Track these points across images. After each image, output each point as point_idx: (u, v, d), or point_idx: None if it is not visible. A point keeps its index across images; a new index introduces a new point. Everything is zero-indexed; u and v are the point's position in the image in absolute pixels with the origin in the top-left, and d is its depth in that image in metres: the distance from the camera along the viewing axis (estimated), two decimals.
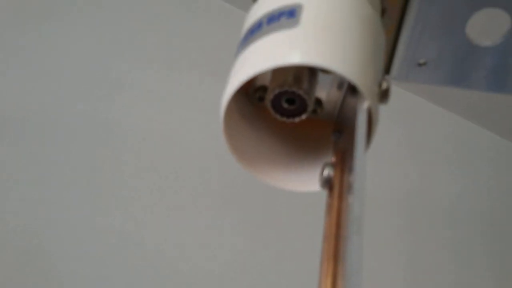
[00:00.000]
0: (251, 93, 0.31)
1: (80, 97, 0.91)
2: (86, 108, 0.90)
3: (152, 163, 0.87)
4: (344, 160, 0.27)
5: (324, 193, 0.27)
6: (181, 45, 0.98)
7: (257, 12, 0.28)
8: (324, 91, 0.30)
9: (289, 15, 0.26)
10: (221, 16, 1.01)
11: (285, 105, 0.28)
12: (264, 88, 0.31)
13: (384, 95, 0.27)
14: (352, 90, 0.27)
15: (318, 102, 0.31)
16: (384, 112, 0.28)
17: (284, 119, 0.29)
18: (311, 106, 0.28)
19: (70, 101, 0.90)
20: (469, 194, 0.91)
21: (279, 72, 0.28)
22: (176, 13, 1.02)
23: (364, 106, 0.25)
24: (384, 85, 0.27)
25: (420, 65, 0.39)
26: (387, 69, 0.40)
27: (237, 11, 0.99)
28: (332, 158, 0.29)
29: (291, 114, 0.28)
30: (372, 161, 0.27)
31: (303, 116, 0.28)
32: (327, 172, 0.27)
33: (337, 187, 0.26)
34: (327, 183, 0.27)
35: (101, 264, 0.78)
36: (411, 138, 0.95)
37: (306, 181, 0.29)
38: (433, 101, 0.97)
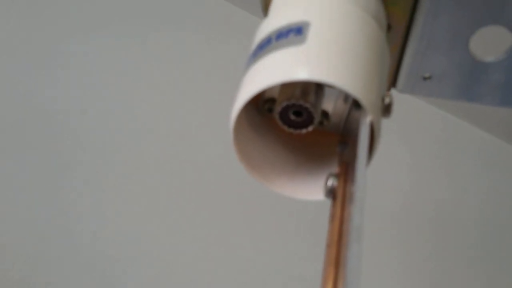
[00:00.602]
0: (260, 104, 0.32)
1: (81, 94, 0.92)
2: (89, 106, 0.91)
3: (156, 163, 0.88)
4: (347, 171, 0.28)
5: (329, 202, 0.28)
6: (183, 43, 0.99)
7: (266, 28, 0.30)
8: (330, 104, 0.32)
9: (297, 32, 0.28)
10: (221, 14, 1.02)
11: (293, 117, 0.29)
12: (272, 100, 0.32)
13: (387, 110, 0.29)
14: (356, 103, 0.28)
15: (325, 114, 0.32)
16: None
17: (292, 130, 0.30)
18: (317, 118, 0.29)
19: (71, 98, 0.92)
20: (465, 199, 0.92)
21: (287, 86, 0.29)
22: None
23: (366, 120, 0.26)
24: (387, 100, 0.29)
25: (425, 79, 0.40)
26: (393, 82, 0.41)
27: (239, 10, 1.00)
28: (336, 169, 0.30)
29: (298, 125, 0.30)
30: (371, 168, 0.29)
31: (310, 128, 0.30)
32: (331, 182, 0.28)
33: (340, 197, 0.27)
34: (331, 193, 0.28)
35: (93, 266, 0.79)
36: (406, 141, 0.95)
37: (311, 190, 0.30)
38: (429, 102, 0.97)
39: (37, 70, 0.93)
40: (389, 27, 0.36)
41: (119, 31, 0.99)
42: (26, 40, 0.96)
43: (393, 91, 0.41)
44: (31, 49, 0.95)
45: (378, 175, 0.72)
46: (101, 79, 0.94)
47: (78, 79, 0.94)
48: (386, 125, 0.31)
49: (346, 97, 0.31)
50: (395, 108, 0.30)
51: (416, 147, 0.95)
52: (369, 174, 0.29)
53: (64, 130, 0.89)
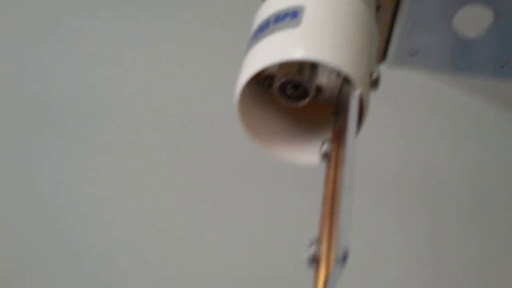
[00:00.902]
0: (261, 80, 0.36)
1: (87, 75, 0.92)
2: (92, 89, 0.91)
3: (161, 143, 0.89)
4: (340, 138, 0.32)
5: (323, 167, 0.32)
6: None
7: (265, 12, 0.33)
8: (324, 79, 0.35)
9: (293, 16, 0.31)
10: None
11: (290, 91, 0.33)
12: (272, 77, 0.35)
13: (374, 83, 0.32)
14: (347, 79, 0.32)
15: (319, 88, 0.36)
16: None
17: (290, 103, 0.34)
18: (312, 92, 0.33)
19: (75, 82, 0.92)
20: (456, 164, 0.94)
21: (284, 64, 0.32)
22: None
23: (356, 93, 0.30)
24: (375, 75, 0.32)
25: (412, 54, 0.44)
26: (383, 57, 0.44)
27: None
28: (330, 137, 0.34)
29: (296, 99, 0.33)
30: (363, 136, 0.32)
31: (306, 101, 0.33)
32: (325, 147, 0.32)
33: (333, 160, 0.31)
34: (326, 157, 0.32)
35: (97, 262, 0.80)
36: (397, 109, 0.97)
37: (308, 156, 0.34)
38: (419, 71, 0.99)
39: (37, 47, 0.92)
40: (378, 7, 0.39)
41: (126, 10, 0.99)
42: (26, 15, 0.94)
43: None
44: (32, 25, 0.94)
45: (371, 143, 0.75)
46: (104, 58, 0.95)
47: (81, 57, 0.94)
48: (379, 94, 0.34)
49: (338, 73, 0.35)
50: (387, 77, 0.33)
51: (407, 114, 0.97)
52: (362, 142, 0.32)
53: (59, 112, 0.88)
